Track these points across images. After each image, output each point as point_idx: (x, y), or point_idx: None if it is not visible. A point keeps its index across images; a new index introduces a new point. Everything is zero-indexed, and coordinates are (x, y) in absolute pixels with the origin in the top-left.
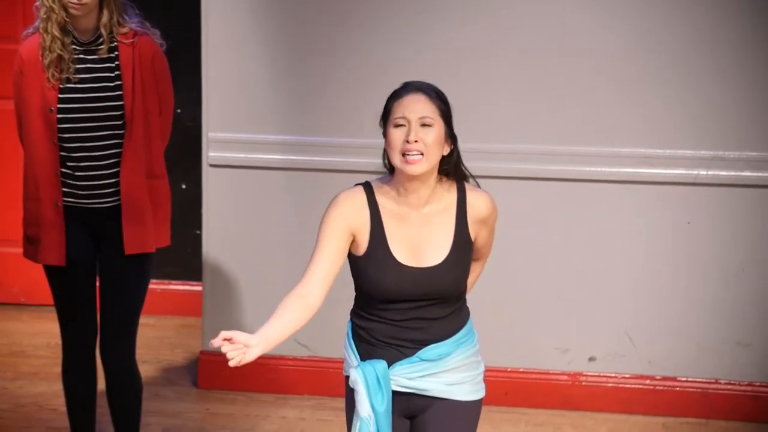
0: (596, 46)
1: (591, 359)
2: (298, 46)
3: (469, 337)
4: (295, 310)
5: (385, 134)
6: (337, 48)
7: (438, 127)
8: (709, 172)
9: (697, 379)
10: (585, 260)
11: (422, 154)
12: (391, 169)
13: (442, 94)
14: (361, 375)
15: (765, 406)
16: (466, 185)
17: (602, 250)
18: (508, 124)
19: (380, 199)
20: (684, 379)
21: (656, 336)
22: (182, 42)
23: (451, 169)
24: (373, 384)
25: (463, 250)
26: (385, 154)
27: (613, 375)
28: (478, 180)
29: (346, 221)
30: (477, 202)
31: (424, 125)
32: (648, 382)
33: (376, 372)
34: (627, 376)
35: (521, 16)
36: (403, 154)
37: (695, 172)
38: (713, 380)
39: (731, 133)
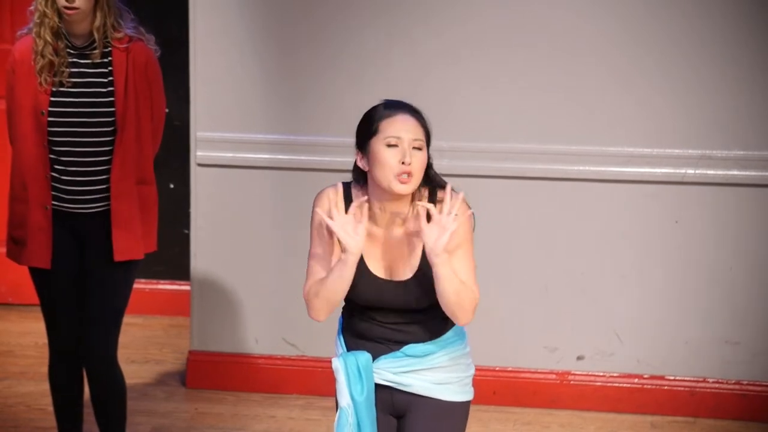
0: (584, 45)
1: (579, 358)
2: (286, 45)
3: (458, 338)
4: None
5: (366, 149)
6: (325, 47)
7: (425, 152)
8: (697, 171)
9: (686, 378)
10: (573, 259)
11: (410, 175)
12: (359, 180)
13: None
14: (342, 364)
15: (753, 405)
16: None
17: (590, 249)
18: (494, 122)
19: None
20: (672, 377)
21: (644, 335)
22: (170, 41)
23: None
24: (354, 374)
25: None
26: (356, 168)
27: (601, 374)
28: (467, 179)
29: (323, 222)
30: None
31: (415, 148)
32: (636, 380)
33: (357, 362)
34: (615, 374)
35: (509, 14)
36: (398, 175)
37: (683, 171)
38: (701, 379)
39: (719, 132)
